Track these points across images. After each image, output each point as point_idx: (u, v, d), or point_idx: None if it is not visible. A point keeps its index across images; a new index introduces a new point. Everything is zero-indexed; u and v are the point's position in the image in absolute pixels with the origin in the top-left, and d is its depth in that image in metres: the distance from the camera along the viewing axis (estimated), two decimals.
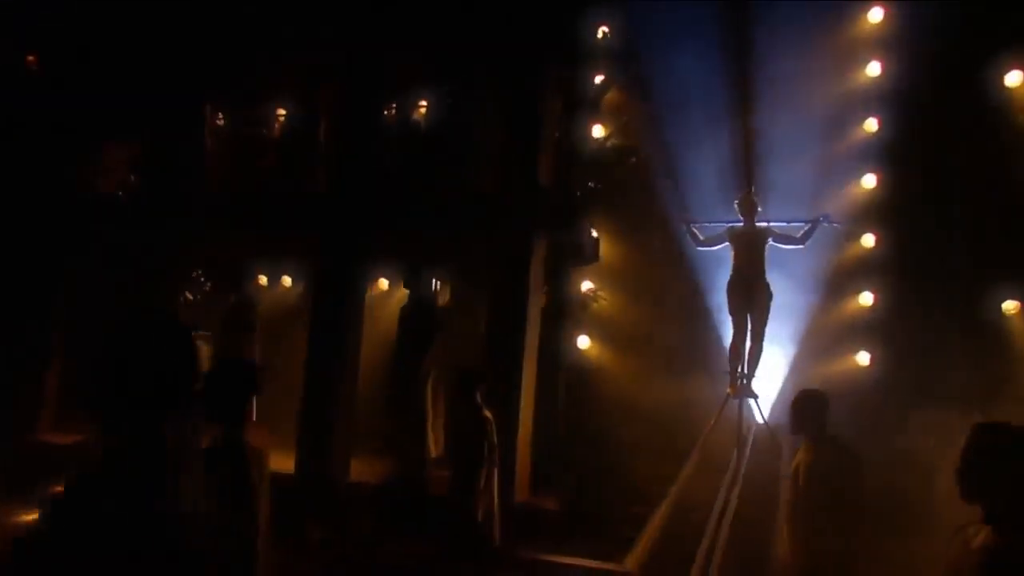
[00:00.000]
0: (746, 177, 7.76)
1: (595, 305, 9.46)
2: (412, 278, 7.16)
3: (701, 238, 7.57)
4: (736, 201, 7.46)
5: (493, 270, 6.88)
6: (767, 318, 7.27)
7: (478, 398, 5.30)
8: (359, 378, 7.42)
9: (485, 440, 5.12)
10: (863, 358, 8.90)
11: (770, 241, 7.41)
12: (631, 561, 4.59)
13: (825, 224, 7.38)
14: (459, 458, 5.24)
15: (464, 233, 6.85)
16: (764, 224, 7.46)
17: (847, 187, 9.17)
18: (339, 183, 7.35)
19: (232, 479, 2.92)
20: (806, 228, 7.46)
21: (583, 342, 9.05)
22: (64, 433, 7.96)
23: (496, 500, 5.30)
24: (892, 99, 9.05)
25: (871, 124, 9.31)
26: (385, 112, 7.76)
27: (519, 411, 6.51)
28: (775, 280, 8.33)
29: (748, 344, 7.25)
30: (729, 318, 7.42)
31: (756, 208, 7.37)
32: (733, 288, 7.33)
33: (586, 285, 9.66)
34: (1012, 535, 2.36)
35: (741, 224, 7.41)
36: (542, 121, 6.81)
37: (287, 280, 9.93)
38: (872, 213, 9.00)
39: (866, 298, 9.02)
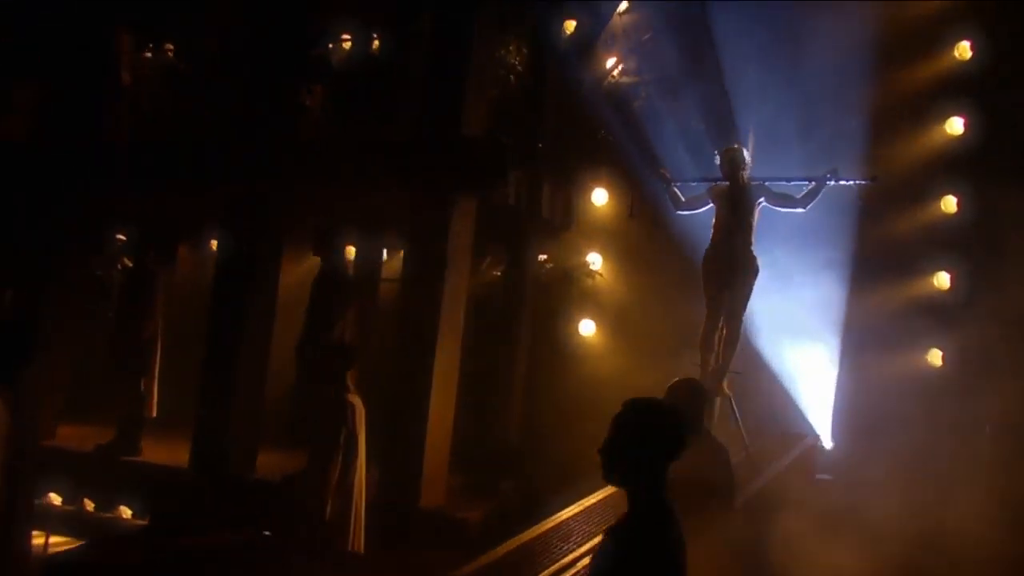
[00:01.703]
0: (727, 122, 8.29)
1: (590, 282, 10.30)
2: (322, 243, 8.12)
3: (682, 199, 8.17)
4: (717, 154, 7.98)
5: (408, 236, 7.78)
6: (748, 299, 7.79)
7: (346, 380, 6.24)
8: (269, 359, 8.51)
9: (343, 427, 6.06)
10: (935, 357, 9.31)
11: (762, 203, 7.87)
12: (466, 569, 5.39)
13: (832, 183, 7.80)
14: (312, 445, 6.20)
15: (381, 191, 7.76)
16: (756, 182, 7.93)
17: (923, 134, 9.54)
18: (249, 128, 8.40)
19: None
20: (809, 187, 7.84)
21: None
22: None
23: (361, 498, 6.23)
24: (993, 17, 9.31)
25: (963, 49, 9.60)
26: (309, 46, 8.78)
27: (428, 403, 7.40)
28: (808, 250, 8.83)
29: (723, 330, 7.84)
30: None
31: (742, 163, 7.84)
32: (711, 260, 7.85)
33: (595, 258, 10.53)
34: (631, 518, 2.98)
35: (727, 183, 7.89)
36: (469, 56, 7.56)
37: None
38: (955, 168, 9.36)
39: (941, 279, 9.39)
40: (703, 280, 7.93)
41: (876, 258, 9.05)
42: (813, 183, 7.82)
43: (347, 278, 8.06)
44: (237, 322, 8.23)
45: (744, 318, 7.90)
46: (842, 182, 7.79)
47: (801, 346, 9.24)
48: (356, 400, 6.23)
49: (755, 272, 7.81)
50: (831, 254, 8.81)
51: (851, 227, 8.71)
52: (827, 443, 9.14)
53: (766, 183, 7.93)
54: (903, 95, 9.25)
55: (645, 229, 9.90)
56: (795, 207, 7.85)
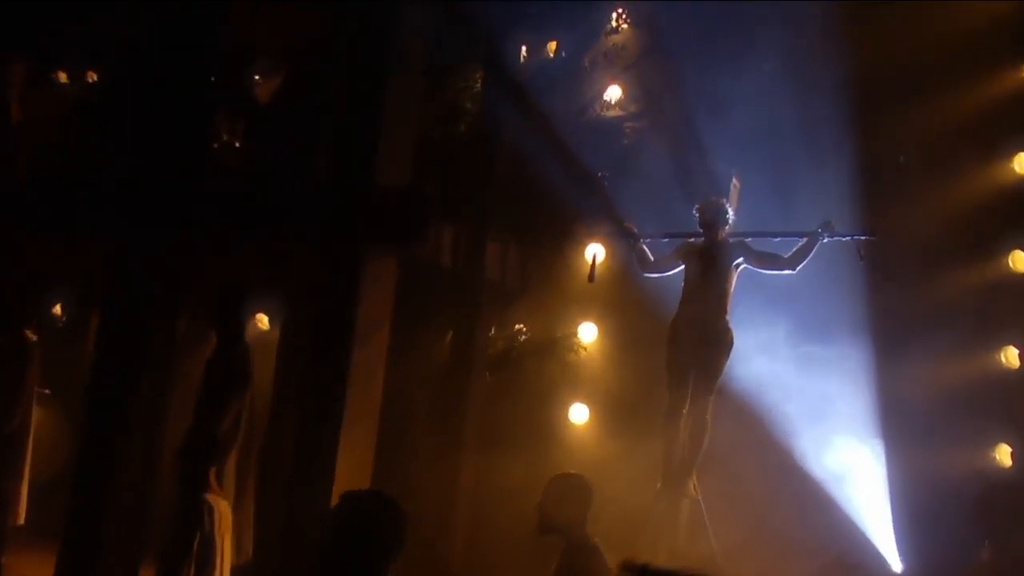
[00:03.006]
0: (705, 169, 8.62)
1: (573, 356, 10.61)
2: (219, 312, 8.52)
3: (651, 259, 8.51)
4: (696, 208, 8.34)
5: (313, 300, 8.19)
6: (717, 378, 8.07)
7: (208, 478, 6.66)
8: (161, 457, 8.87)
9: (197, 531, 6.46)
10: (1003, 454, 9.40)
11: (740, 264, 8.20)
12: None
13: (825, 240, 8.08)
14: (161, 551, 6.61)
15: (288, 249, 8.20)
16: (734, 239, 8.26)
17: (979, 174, 9.72)
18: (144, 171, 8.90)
19: None
20: (799, 245, 8.15)
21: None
22: None
23: None
24: None
25: None
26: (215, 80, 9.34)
27: (329, 503, 7.67)
28: (829, 315, 9.02)
29: (689, 417, 8.10)
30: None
31: (722, 218, 8.23)
32: (677, 331, 8.19)
33: (588, 328, 10.89)
34: None
35: (701, 239, 8.26)
36: (385, 92, 7.94)
37: None
38: None
39: (1010, 356, 9.53)
40: (667, 354, 8.21)
41: (916, 330, 9.21)
42: (804, 240, 8.09)
43: (244, 357, 8.40)
44: (119, 405, 8.58)
45: (711, 402, 8.13)
46: (837, 238, 8.05)
47: (836, 441, 9.37)
48: (218, 501, 6.61)
49: (728, 346, 8.07)
50: (852, 325, 9.02)
51: (873, 291, 8.91)
52: (896, 565, 9.17)
53: (747, 240, 8.23)
54: (950, 127, 9.48)
55: (654, 292, 10.20)
56: (782, 269, 8.13)
